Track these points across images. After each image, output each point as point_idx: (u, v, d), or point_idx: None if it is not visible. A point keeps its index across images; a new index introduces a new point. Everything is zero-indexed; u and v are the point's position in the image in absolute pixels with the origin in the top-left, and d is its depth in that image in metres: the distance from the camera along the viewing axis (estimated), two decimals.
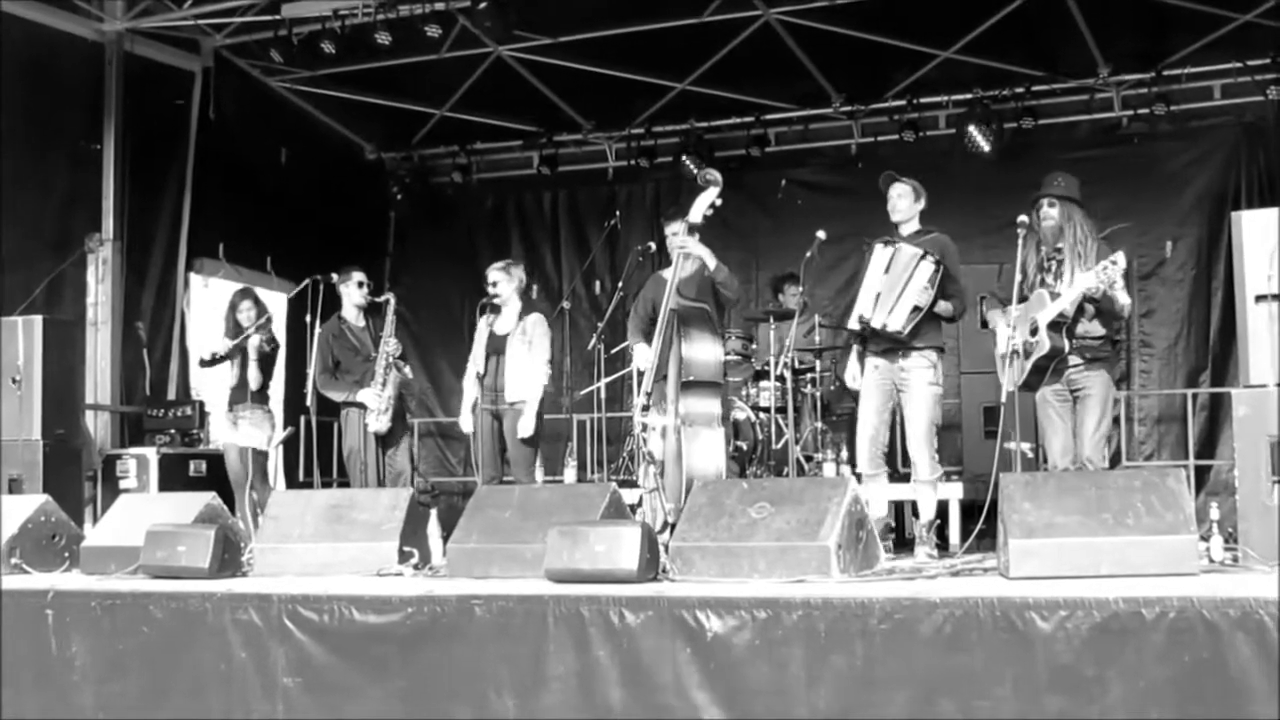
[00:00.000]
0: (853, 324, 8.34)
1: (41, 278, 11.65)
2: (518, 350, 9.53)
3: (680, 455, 8.06)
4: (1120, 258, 7.40)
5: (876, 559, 6.59)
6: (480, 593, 6.10)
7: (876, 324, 8.19)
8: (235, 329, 10.60)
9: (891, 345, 8.22)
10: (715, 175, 8.47)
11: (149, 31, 12.67)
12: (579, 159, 15.31)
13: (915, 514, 8.44)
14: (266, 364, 10.52)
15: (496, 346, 9.62)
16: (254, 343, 10.39)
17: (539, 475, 10.42)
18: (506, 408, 9.52)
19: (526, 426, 9.49)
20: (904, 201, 8.47)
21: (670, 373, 8.24)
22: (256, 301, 10.77)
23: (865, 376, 8.40)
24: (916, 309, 8.04)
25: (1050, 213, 7.75)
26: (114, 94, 12.46)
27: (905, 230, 8.42)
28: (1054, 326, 7.52)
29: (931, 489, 8.23)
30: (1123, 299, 7.55)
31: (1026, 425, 7.86)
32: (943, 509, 10.10)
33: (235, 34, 13.15)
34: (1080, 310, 7.55)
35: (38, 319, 9.71)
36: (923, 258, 8.05)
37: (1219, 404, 12.28)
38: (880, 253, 8.32)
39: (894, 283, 8.15)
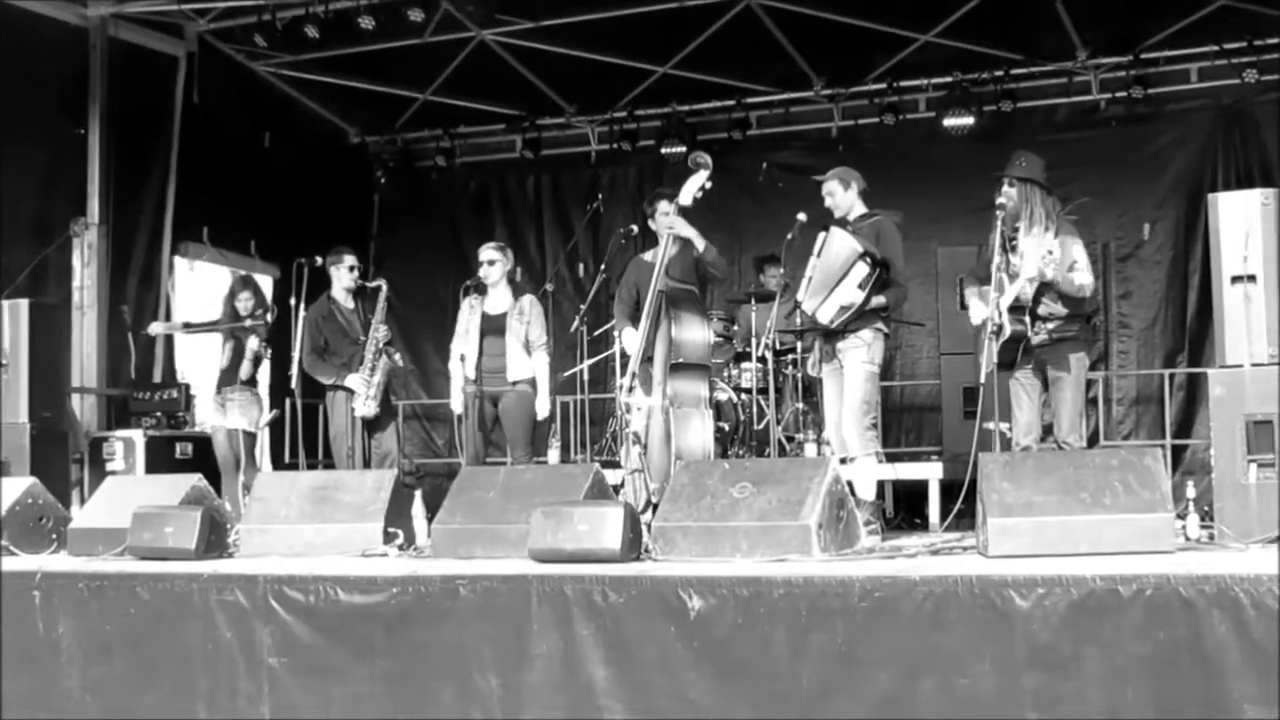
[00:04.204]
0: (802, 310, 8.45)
1: (26, 262, 11.64)
2: (517, 332, 9.53)
3: (667, 436, 8.09)
4: (1059, 246, 7.44)
5: (857, 538, 6.62)
6: (464, 573, 6.11)
7: (808, 310, 8.29)
8: (232, 315, 10.66)
9: (830, 330, 8.30)
10: (705, 159, 8.51)
11: (133, 16, 12.63)
12: (561, 142, 15.32)
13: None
14: (259, 361, 10.59)
15: (491, 327, 9.58)
16: (252, 345, 10.49)
17: (553, 455, 10.45)
18: (507, 389, 9.52)
19: (544, 406, 9.56)
20: (836, 196, 8.60)
21: (658, 354, 8.26)
22: (256, 292, 10.85)
23: (824, 365, 8.49)
24: (845, 308, 8.10)
25: (1010, 192, 7.79)
26: (98, 79, 12.42)
27: (850, 218, 8.49)
28: (1014, 310, 7.55)
29: (866, 468, 8.22)
30: (1080, 279, 7.56)
31: (1005, 405, 7.89)
32: (921, 488, 10.19)
33: (219, 19, 13.11)
34: (1041, 291, 7.58)
35: (23, 303, 9.70)
36: (861, 257, 8.09)
37: (1196, 384, 12.33)
38: (819, 237, 8.40)
39: (826, 273, 8.24)
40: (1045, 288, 7.58)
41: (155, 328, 12.24)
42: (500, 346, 9.55)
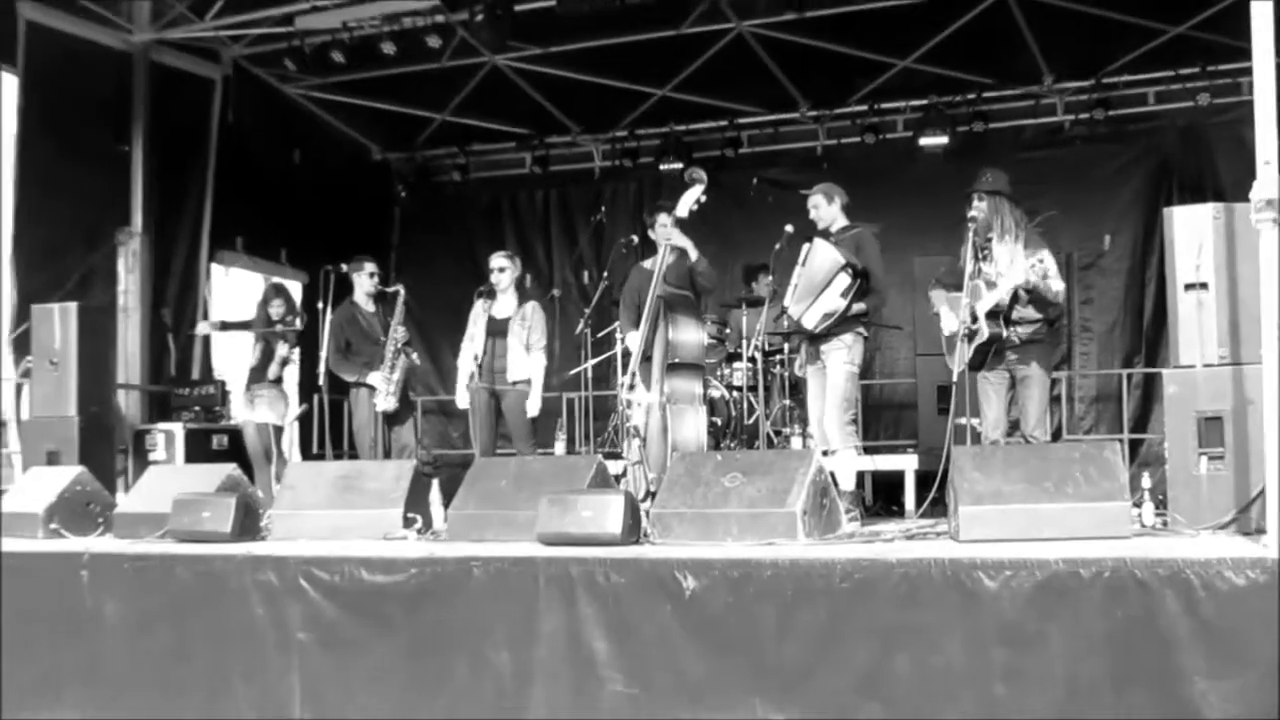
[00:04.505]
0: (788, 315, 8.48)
1: (75, 268, 11.70)
2: (518, 334, 9.55)
3: (664, 430, 8.10)
4: (1046, 256, 7.50)
5: (838, 524, 6.62)
6: (478, 555, 6.13)
7: (794, 315, 8.32)
8: (265, 320, 10.68)
9: (814, 334, 8.35)
10: (701, 174, 8.51)
11: (173, 42, 12.66)
12: (568, 159, 15.31)
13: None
14: (286, 364, 10.66)
15: (496, 329, 9.61)
16: (281, 350, 10.54)
17: (559, 447, 10.42)
18: (508, 387, 9.53)
19: (535, 405, 9.53)
20: (820, 210, 8.63)
21: (656, 354, 8.27)
22: (287, 299, 10.87)
23: (808, 366, 8.51)
24: (828, 315, 8.14)
25: (980, 205, 7.82)
26: (141, 99, 12.46)
27: (833, 230, 8.52)
28: (991, 315, 7.58)
29: (846, 460, 8.23)
30: (1055, 286, 7.58)
31: (975, 402, 7.91)
32: (898, 478, 10.19)
33: (253, 44, 13.14)
34: (1015, 298, 7.61)
35: (72, 306, 9.70)
36: (843, 268, 8.11)
37: (1152, 383, 12.35)
38: (804, 247, 8.43)
39: (810, 281, 8.29)
40: (1018, 294, 7.60)
41: (202, 328, 12.32)
42: (504, 347, 9.57)
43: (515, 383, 9.51)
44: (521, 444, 9.57)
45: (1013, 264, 7.56)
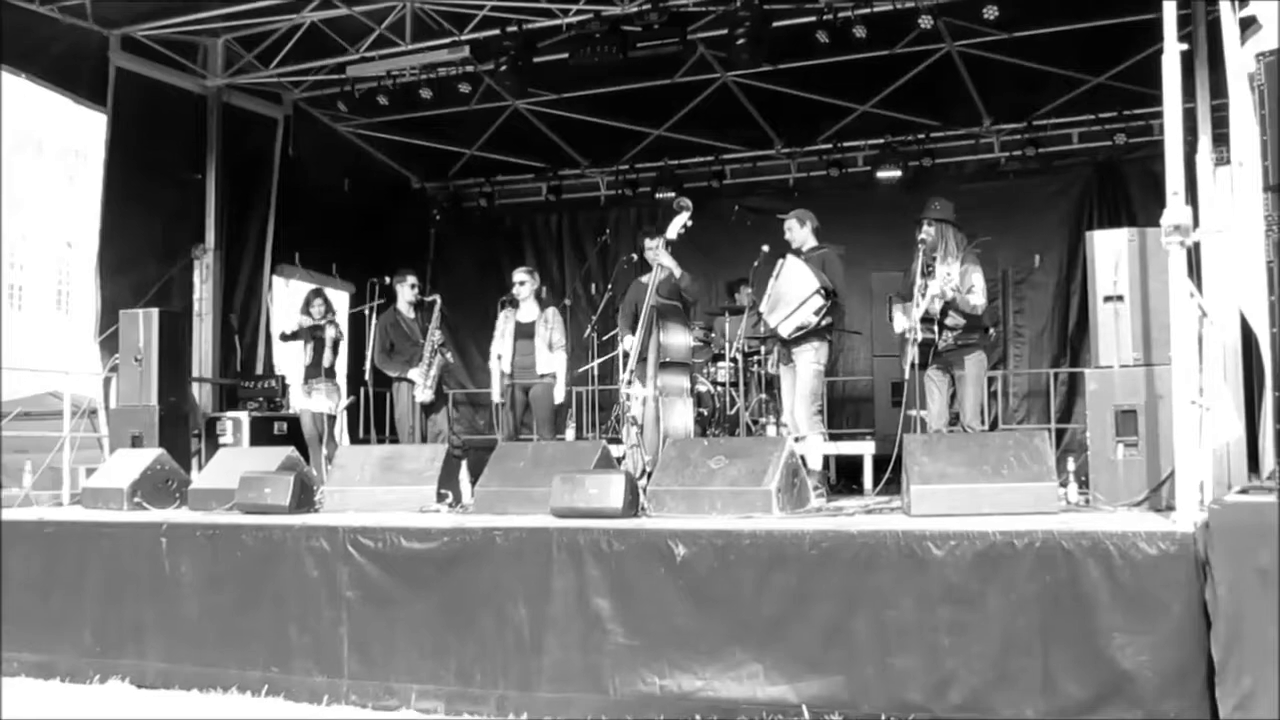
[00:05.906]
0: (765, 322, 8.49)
1: (157, 279, 11.73)
2: (543, 335, 9.55)
3: (658, 419, 8.09)
4: (976, 277, 7.62)
5: (807, 500, 6.61)
6: (500, 525, 6.13)
7: (771, 324, 8.35)
8: (309, 319, 10.73)
9: (786, 339, 8.35)
10: (687, 202, 8.51)
11: (242, 86, 12.67)
12: (578, 189, 15.26)
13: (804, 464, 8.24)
14: (336, 348, 10.68)
15: (523, 333, 9.63)
16: (330, 334, 10.59)
17: (569, 434, 10.37)
18: (536, 380, 9.52)
19: (560, 393, 9.52)
20: (793, 232, 8.65)
21: (650, 355, 8.27)
22: (325, 300, 10.96)
23: (781, 366, 8.52)
24: (801, 327, 8.17)
25: (929, 230, 7.86)
26: (214, 135, 12.45)
27: (804, 250, 8.52)
28: (925, 321, 7.64)
29: (814, 445, 8.23)
30: (975, 300, 7.65)
31: (923, 397, 7.91)
32: (858, 461, 10.18)
33: (310, 89, 13.13)
34: (948, 307, 7.64)
35: (154, 311, 9.71)
36: (816, 291, 8.12)
37: (1075, 381, 12.31)
38: (778, 264, 8.44)
39: (784, 295, 8.26)
40: (950, 304, 7.63)
41: (277, 335, 12.34)
42: (530, 348, 9.57)
43: (542, 376, 9.52)
44: (544, 430, 9.54)
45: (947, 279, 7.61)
